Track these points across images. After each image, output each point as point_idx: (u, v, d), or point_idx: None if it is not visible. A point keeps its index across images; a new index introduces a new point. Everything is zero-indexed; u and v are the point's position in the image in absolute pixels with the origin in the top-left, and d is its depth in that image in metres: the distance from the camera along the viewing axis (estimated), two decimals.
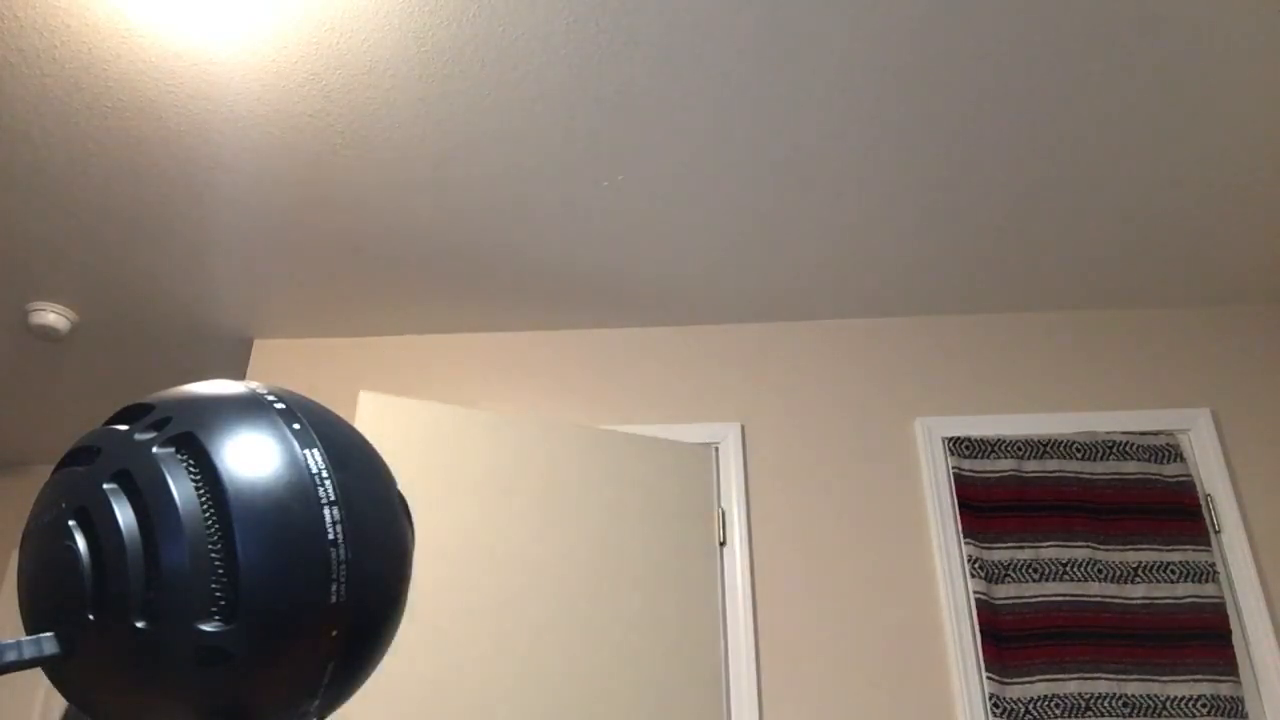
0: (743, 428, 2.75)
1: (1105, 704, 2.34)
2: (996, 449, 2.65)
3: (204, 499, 0.29)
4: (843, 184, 2.33)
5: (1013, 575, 2.49)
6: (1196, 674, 2.36)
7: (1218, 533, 2.53)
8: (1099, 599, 2.45)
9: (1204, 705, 2.32)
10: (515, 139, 2.18)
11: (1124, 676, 2.37)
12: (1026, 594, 2.47)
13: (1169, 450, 2.63)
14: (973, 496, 2.59)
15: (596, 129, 2.15)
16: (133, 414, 0.32)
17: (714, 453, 2.73)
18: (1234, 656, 2.38)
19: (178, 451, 0.30)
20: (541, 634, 2.51)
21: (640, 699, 2.45)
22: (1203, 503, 2.57)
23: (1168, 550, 2.50)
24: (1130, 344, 2.82)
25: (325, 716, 0.31)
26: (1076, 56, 1.97)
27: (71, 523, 0.30)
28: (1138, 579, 2.48)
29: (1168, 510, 2.56)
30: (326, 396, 2.83)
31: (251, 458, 0.30)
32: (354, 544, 0.31)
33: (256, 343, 2.96)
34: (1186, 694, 2.34)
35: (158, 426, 0.31)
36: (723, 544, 2.61)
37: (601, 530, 2.64)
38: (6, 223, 2.43)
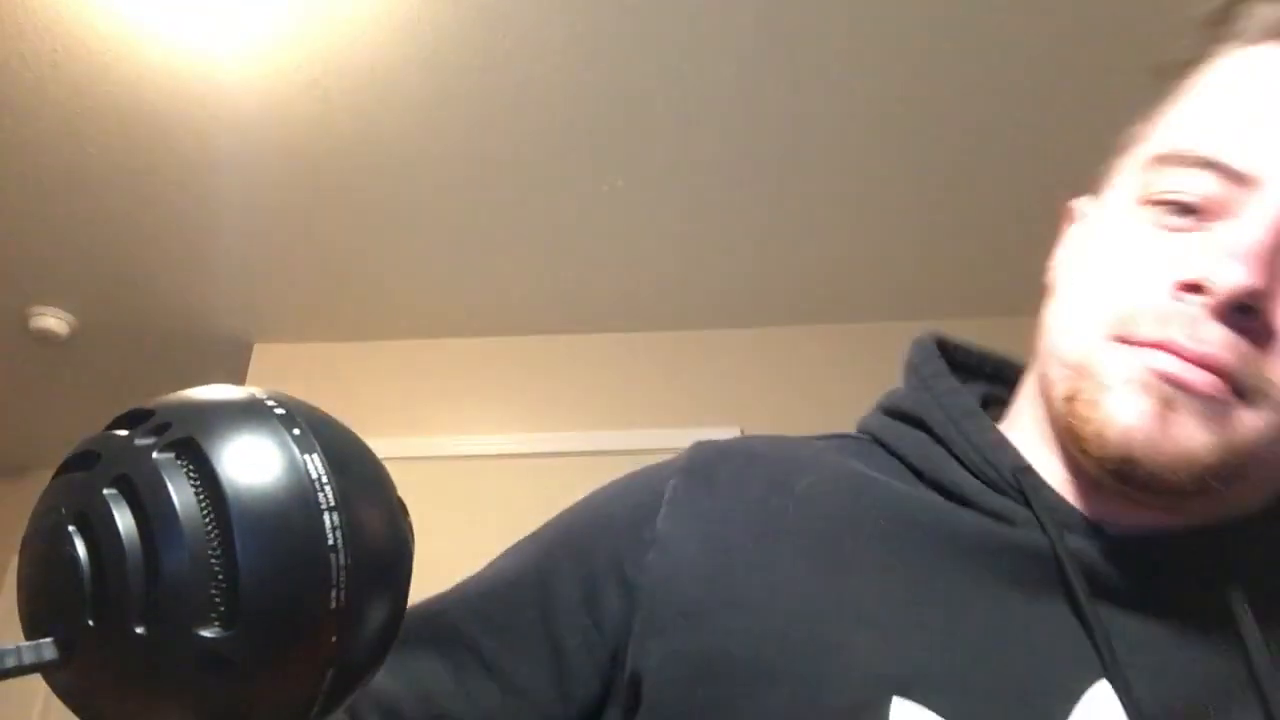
0: (741, 432, 2.75)
1: None
2: None
3: (204, 504, 0.29)
4: (842, 190, 2.34)
5: None
6: None
7: None
8: None
9: None
10: (516, 141, 2.19)
11: None
12: None
13: None
14: None
15: (599, 131, 2.16)
16: (133, 419, 0.32)
17: None
18: None
19: (178, 457, 0.30)
20: None
21: None
22: None
23: None
24: None
25: None
26: (1076, 57, 1.97)
27: (71, 528, 0.30)
28: None
29: None
30: (327, 401, 2.82)
31: (251, 463, 0.30)
32: (354, 549, 0.31)
33: (257, 347, 2.96)
34: None
35: (158, 432, 0.31)
36: None
37: None
38: (7, 227, 2.43)
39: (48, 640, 0.29)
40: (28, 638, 0.29)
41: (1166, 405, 0.45)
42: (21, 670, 0.28)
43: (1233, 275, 0.44)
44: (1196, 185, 0.48)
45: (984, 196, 2.37)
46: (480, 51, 1.94)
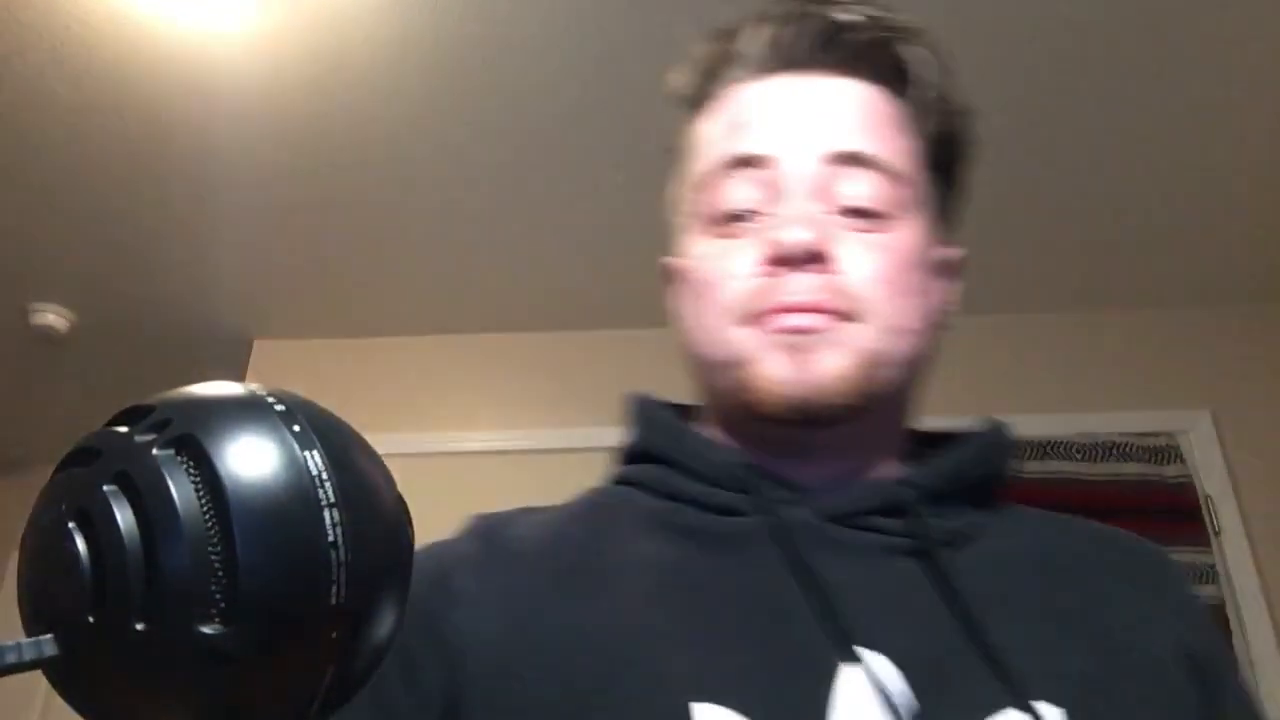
0: None
1: None
2: None
3: (204, 500, 0.29)
4: None
5: None
6: None
7: (1218, 534, 2.53)
8: None
9: None
10: (517, 136, 2.18)
11: None
12: None
13: (1169, 451, 2.63)
14: None
15: (599, 128, 2.15)
16: (133, 415, 0.32)
17: None
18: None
19: (178, 453, 0.30)
20: None
21: None
22: (1203, 504, 2.57)
23: (1168, 551, 2.50)
24: (1130, 345, 2.82)
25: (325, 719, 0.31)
26: (1072, 53, 1.97)
27: (71, 524, 0.30)
28: None
29: (1168, 511, 2.56)
30: (326, 397, 2.82)
31: (251, 459, 0.30)
32: (354, 546, 0.31)
33: (256, 343, 2.96)
34: None
35: (158, 428, 0.31)
36: None
37: None
38: (6, 223, 2.43)
39: (48, 637, 0.29)
40: (28, 634, 0.29)
41: (798, 350, 0.55)
42: (22, 667, 0.28)
43: (795, 236, 0.55)
44: (740, 192, 0.59)
45: (980, 196, 2.36)
46: (479, 49, 1.93)
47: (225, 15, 1.84)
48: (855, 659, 0.49)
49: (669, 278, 0.69)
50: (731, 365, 0.58)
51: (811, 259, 0.55)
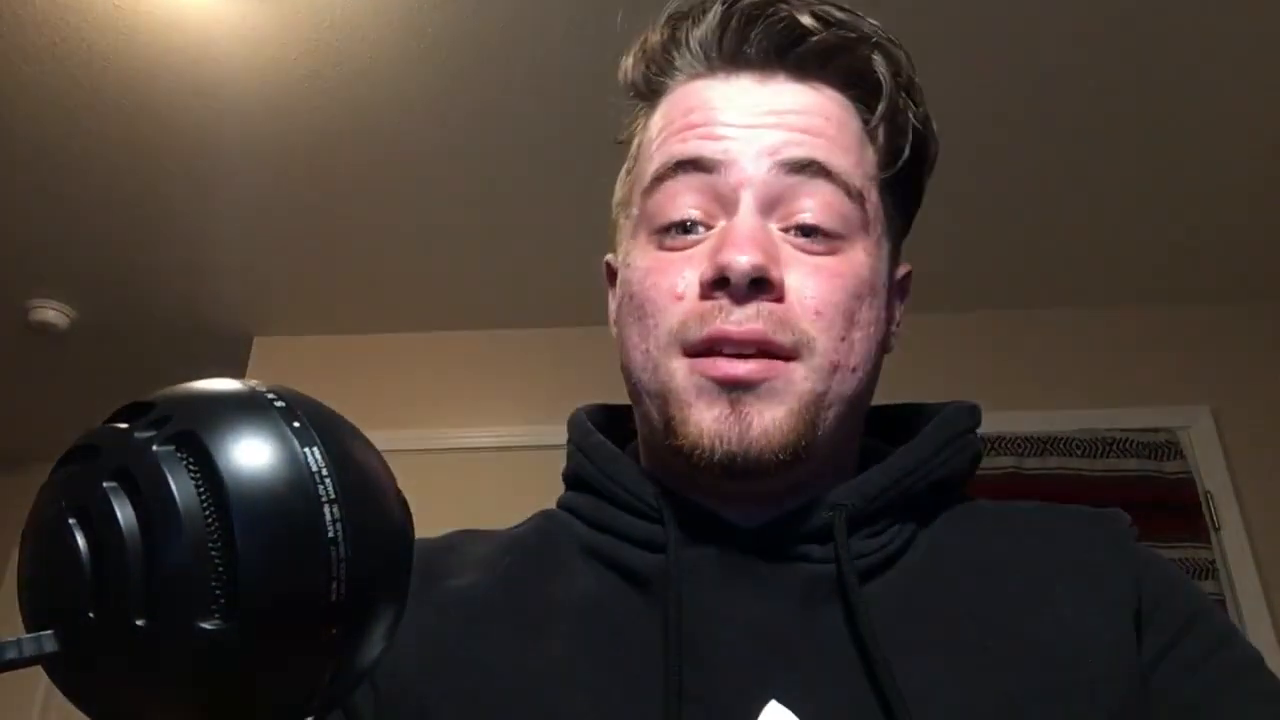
0: None
1: None
2: (997, 447, 2.65)
3: (204, 497, 0.29)
4: None
5: None
6: None
7: (1218, 530, 2.54)
8: None
9: None
10: (517, 134, 2.18)
11: None
12: None
13: (1169, 448, 2.63)
14: (974, 495, 2.59)
15: (601, 123, 2.15)
16: (132, 412, 0.32)
17: None
18: None
19: (178, 450, 0.30)
20: None
21: None
22: (1203, 500, 2.57)
23: (1168, 548, 2.50)
24: (1130, 341, 2.82)
25: (325, 716, 0.31)
26: (1073, 49, 1.97)
27: (71, 521, 0.30)
28: None
29: (1168, 508, 2.56)
30: (327, 394, 2.82)
31: (251, 456, 0.30)
32: (354, 542, 0.31)
33: (257, 340, 2.96)
34: None
35: (158, 424, 0.31)
36: None
37: None
38: (6, 220, 2.43)
39: (48, 633, 0.29)
40: (28, 630, 0.29)
41: (735, 404, 0.51)
42: (22, 662, 0.28)
43: (738, 260, 0.51)
44: (686, 199, 0.56)
45: (981, 192, 2.37)
46: (480, 43, 1.93)
47: (226, 13, 1.83)
48: (771, 703, 0.48)
49: (610, 279, 0.66)
50: (665, 401, 0.54)
51: (756, 284, 0.52)
